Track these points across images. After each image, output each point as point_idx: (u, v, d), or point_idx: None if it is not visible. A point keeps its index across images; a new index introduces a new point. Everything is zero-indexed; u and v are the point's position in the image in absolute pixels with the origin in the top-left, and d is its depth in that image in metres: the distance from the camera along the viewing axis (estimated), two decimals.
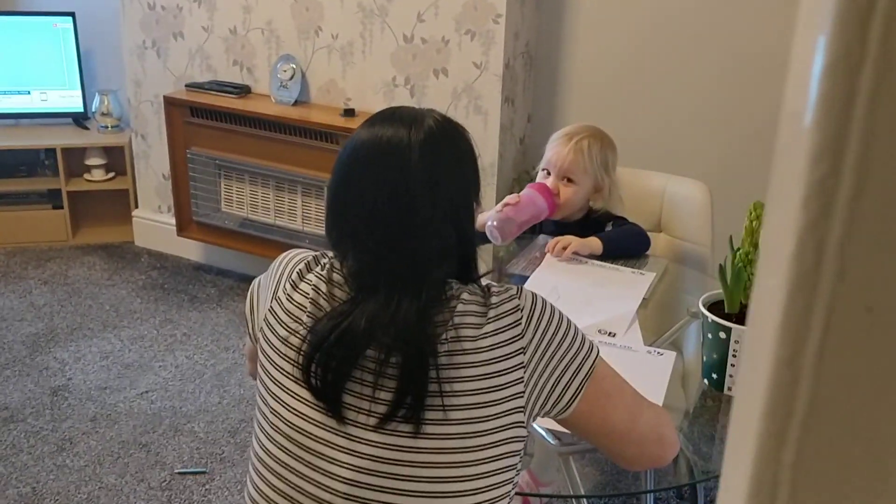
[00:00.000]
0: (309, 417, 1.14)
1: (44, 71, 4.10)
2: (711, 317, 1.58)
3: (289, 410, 1.16)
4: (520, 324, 1.13)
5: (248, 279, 3.93)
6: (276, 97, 3.49)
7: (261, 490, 1.19)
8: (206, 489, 2.52)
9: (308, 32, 3.42)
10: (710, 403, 1.64)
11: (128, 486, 2.52)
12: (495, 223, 2.04)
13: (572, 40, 3.23)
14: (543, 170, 2.21)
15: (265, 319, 1.22)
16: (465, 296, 1.14)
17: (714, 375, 1.61)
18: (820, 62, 0.28)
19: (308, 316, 1.16)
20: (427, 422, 1.09)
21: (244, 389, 2.98)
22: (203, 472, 2.58)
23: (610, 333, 1.75)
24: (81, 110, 4.16)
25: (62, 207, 4.07)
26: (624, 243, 2.17)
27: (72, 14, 4.02)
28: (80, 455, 2.64)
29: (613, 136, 3.20)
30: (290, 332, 1.17)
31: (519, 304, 1.14)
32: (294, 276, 1.21)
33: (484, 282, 1.20)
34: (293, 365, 1.16)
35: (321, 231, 3.42)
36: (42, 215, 4.09)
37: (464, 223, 1.20)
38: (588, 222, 2.26)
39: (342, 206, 1.19)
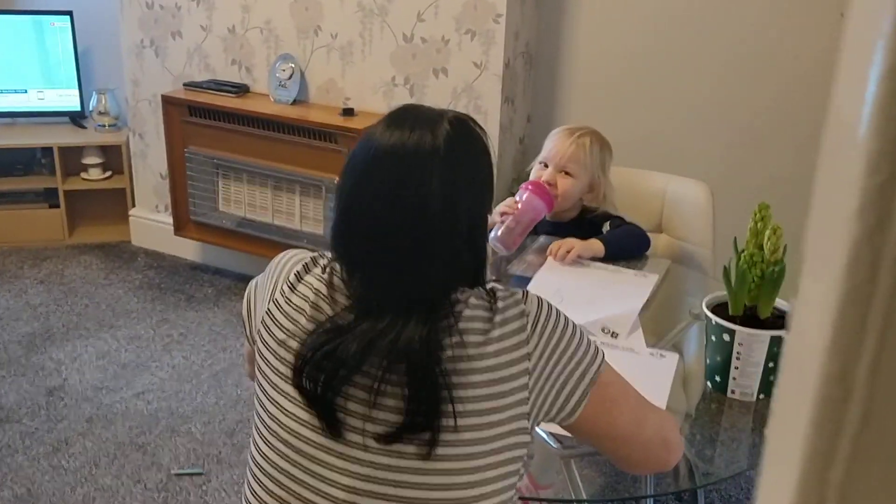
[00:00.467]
0: (307, 422, 1.12)
1: (41, 69, 4.08)
2: (715, 319, 1.57)
3: (287, 415, 1.14)
4: (525, 329, 1.11)
5: (246, 279, 3.90)
6: (275, 96, 3.47)
7: (258, 496, 1.17)
8: (202, 490, 2.50)
9: (307, 32, 3.40)
10: (712, 406, 1.63)
11: (124, 487, 2.50)
12: (499, 236, 2.06)
13: (572, 40, 3.22)
14: (541, 163, 2.22)
15: (263, 322, 1.20)
16: (472, 300, 1.12)
17: (717, 378, 1.60)
18: (878, 67, 0.27)
19: (307, 319, 1.14)
20: (438, 428, 1.07)
21: (241, 390, 2.96)
22: (200, 474, 2.57)
23: (613, 333, 1.74)
24: (79, 109, 4.14)
25: (59, 206, 4.05)
26: (625, 244, 2.17)
27: (69, 13, 4.00)
28: (75, 456, 2.62)
29: (614, 136, 3.19)
30: (289, 336, 1.15)
31: (525, 310, 1.12)
32: (292, 277, 1.18)
33: (489, 284, 1.18)
34: (291, 368, 1.14)
35: (319, 231, 3.42)
36: (38, 214, 4.07)
37: (478, 239, 1.19)
38: (584, 222, 2.26)
39: (354, 215, 1.15)
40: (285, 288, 1.18)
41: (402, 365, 1.08)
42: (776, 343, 1.53)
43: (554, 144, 2.21)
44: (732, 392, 1.58)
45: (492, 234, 2.06)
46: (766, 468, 0.31)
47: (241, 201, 3.58)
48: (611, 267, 2.06)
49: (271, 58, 3.51)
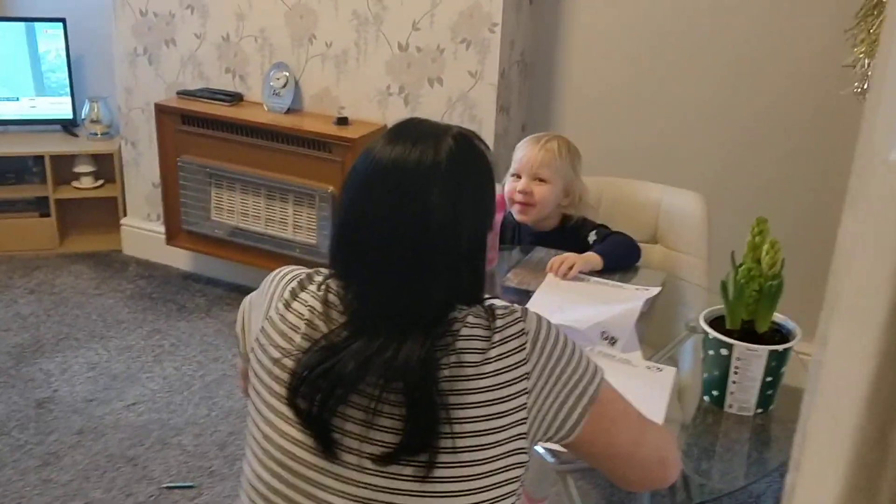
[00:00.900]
0: (302, 442, 1.10)
1: (33, 77, 4.06)
2: (713, 333, 1.55)
3: (281, 435, 1.12)
4: (524, 348, 1.09)
5: (238, 289, 3.90)
6: (269, 105, 3.45)
7: None
8: None
9: (302, 40, 3.39)
10: (710, 420, 1.61)
11: (115, 500, 2.47)
12: None
13: (568, 50, 3.21)
14: (513, 175, 2.22)
15: (257, 339, 1.18)
16: (470, 319, 1.11)
17: (714, 392, 1.58)
18: None
19: (302, 337, 1.12)
20: (436, 450, 1.06)
21: (233, 401, 2.94)
22: (192, 487, 2.54)
23: (611, 339, 1.71)
24: (71, 117, 4.11)
25: (50, 215, 4.03)
26: (621, 255, 2.17)
27: (62, 20, 3.98)
28: (65, 469, 2.59)
29: (608, 146, 3.19)
30: (283, 354, 1.13)
31: (524, 329, 1.11)
32: (287, 294, 1.16)
33: (488, 301, 1.16)
34: (286, 387, 1.11)
35: (312, 241, 3.40)
36: (29, 223, 4.04)
37: (478, 257, 1.17)
38: (567, 231, 2.26)
39: (352, 230, 1.14)
40: (280, 305, 1.16)
41: (398, 384, 1.06)
42: (774, 358, 1.51)
43: (523, 154, 2.23)
44: (730, 406, 1.57)
45: None
46: None
47: (233, 210, 3.56)
48: (611, 282, 2.04)
49: (265, 66, 3.49)
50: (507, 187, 2.23)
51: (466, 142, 1.16)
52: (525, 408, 1.08)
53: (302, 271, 1.20)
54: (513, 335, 1.10)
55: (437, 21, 3.09)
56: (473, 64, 3.07)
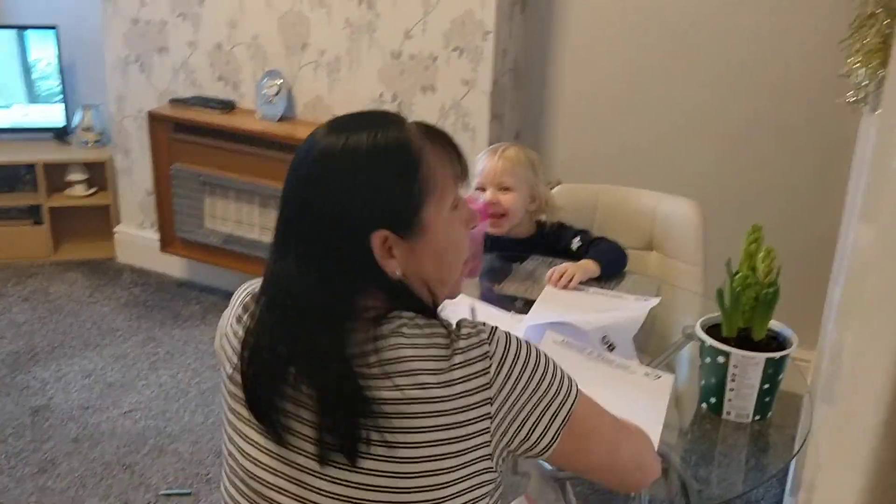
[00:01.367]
0: (261, 463, 1.10)
1: (25, 85, 4.05)
2: (710, 340, 1.57)
3: (243, 455, 1.12)
4: (488, 372, 1.05)
5: (232, 296, 3.88)
6: (262, 113, 3.46)
7: None
8: None
9: (294, 48, 3.40)
10: (707, 427, 1.62)
11: None
12: None
13: (560, 58, 3.23)
14: (477, 189, 2.23)
15: (218, 356, 1.19)
16: (405, 330, 1.06)
17: (712, 400, 1.60)
18: None
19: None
20: (373, 473, 1.04)
21: None
22: (188, 494, 2.54)
23: (610, 346, 1.72)
24: (63, 125, 4.11)
25: (42, 223, 4.02)
26: (613, 260, 2.18)
27: (54, 28, 3.98)
28: (62, 477, 2.59)
29: (603, 153, 3.21)
30: (235, 370, 1.13)
31: (488, 352, 1.06)
32: (240, 309, 1.16)
33: (459, 320, 1.11)
34: (241, 405, 1.11)
35: None
36: (22, 231, 4.03)
37: (371, 252, 1.08)
38: (546, 237, 2.27)
39: (277, 217, 1.14)
40: (234, 321, 1.17)
41: (309, 378, 1.05)
42: (771, 365, 1.53)
43: (484, 166, 2.25)
44: (728, 414, 1.58)
45: None
46: None
47: (227, 218, 3.56)
48: (610, 293, 2.05)
49: (258, 74, 3.50)
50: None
51: (386, 136, 1.09)
52: (488, 431, 1.05)
53: (259, 283, 1.18)
54: (475, 358, 1.05)
55: (429, 29, 3.11)
56: (466, 72, 3.09)
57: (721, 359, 1.55)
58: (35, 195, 4.00)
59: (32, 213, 4.04)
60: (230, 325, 1.17)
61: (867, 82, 1.61)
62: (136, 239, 4.02)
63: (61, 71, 4.04)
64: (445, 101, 3.16)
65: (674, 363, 1.87)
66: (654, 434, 1.44)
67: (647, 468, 1.25)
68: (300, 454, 1.07)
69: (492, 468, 1.08)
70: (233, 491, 1.15)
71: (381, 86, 3.27)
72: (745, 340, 1.57)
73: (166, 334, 3.43)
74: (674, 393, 1.62)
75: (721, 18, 2.93)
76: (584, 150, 3.27)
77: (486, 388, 1.04)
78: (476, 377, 1.04)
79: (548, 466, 1.52)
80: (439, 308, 1.15)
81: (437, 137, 1.14)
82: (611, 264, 2.14)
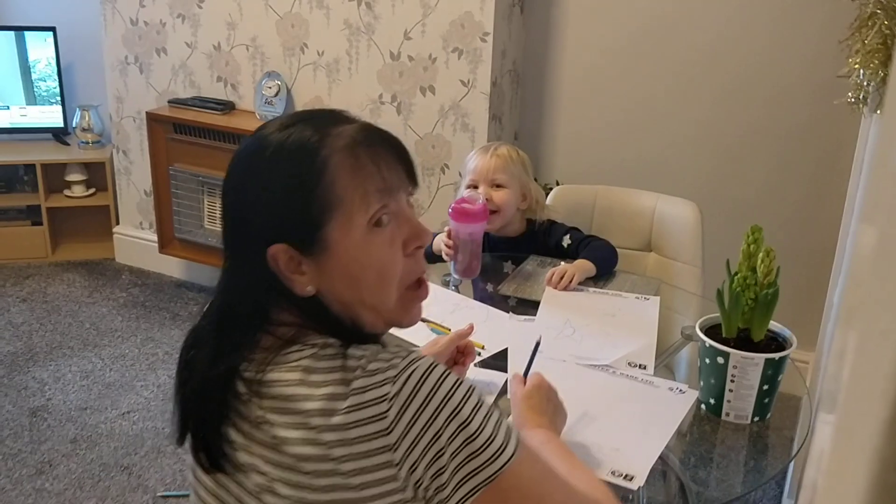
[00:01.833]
0: (203, 485, 1.06)
1: (24, 86, 4.05)
2: (709, 342, 1.56)
3: (195, 485, 1.08)
4: (386, 417, 0.92)
5: None
6: (261, 114, 3.46)
7: None
8: None
9: (293, 49, 3.40)
10: (707, 428, 1.62)
11: None
12: (456, 268, 2.09)
13: (559, 58, 3.22)
14: (469, 186, 2.24)
15: None
16: (306, 363, 0.97)
17: (711, 400, 1.60)
18: None
19: None
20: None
21: None
22: (186, 496, 2.53)
23: (640, 366, 1.72)
24: (62, 126, 4.11)
25: (41, 224, 4.02)
26: (606, 258, 2.20)
27: (52, 29, 3.98)
28: (59, 478, 2.59)
29: (600, 154, 3.21)
30: None
31: (388, 394, 0.92)
32: None
33: (387, 346, 1.00)
34: None
35: None
36: (21, 232, 4.03)
37: (276, 268, 1.00)
38: (536, 235, 2.28)
39: None
40: None
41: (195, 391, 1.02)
42: (770, 366, 1.52)
43: (476, 163, 2.25)
44: (727, 415, 1.58)
45: (451, 268, 2.11)
46: None
47: None
48: (610, 292, 2.05)
49: (257, 75, 3.49)
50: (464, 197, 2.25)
51: (292, 142, 0.99)
52: (394, 479, 0.93)
53: None
54: (371, 401, 0.92)
55: (428, 30, 3.11)
56: (465, 73, 3.09)
57: (720, 360, 1.55)
58: (34, 196, 4.00)
59: (31, 214, 4.04)
60: None
61: (867, 83, 1.61)
62: (135, 239, 4.02)
63: (60, 72, 4.03)
64: (444, 101, 3.16)
65: (673, 365, 1.86)
66: (657, 447, 1.45)
67: None
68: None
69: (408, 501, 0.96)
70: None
71: (381, 87, 3.27)
72: (744, 341, 1.57)
73: (165, 335, 3.43)
74: (694, 407, 1.61)
75: (720, 19, 2.93)
76: (582, 150, 3.27)
77: (384, 435, 0.92)
78: (371, 422, 0.92)
79: None
80: (387, 331, 1.08)
81: (376, 144, 1.01)
82: (605, 262, 2.17)
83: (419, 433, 0.92)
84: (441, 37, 3.09)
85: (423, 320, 1.86)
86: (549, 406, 1.34)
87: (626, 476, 1.37)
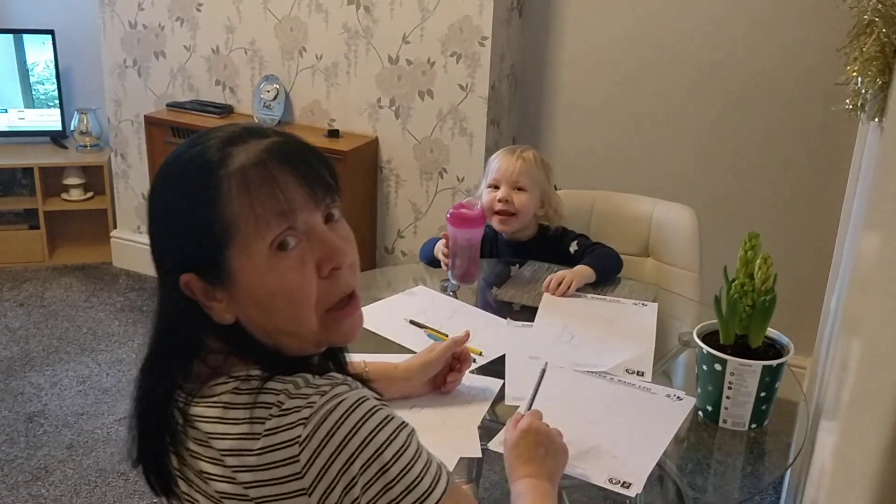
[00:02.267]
0: None
1: (22, 89, 4.04)
2: (707, 348, 1.56)
3: None
4: (297, 460, 0.87)
5: None
6: (259, 117, 3.45)
7: None
8: None
9: (292, 53, 3.39)
10: (704, 435, 1.61)
11: None
12: (454, 274, 2.09)
13: (557, 63, 3.22)
14: (490, 186, 2.24)
15: None
16: (226, 399, 0.93)
17: (709, 407, 1.59)
18: None
19: None
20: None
21: None
22: None
23: (638, 373, 1.72)
24: (60, 129, 4.10)
25: (39, 227, 4.01)
26: (607, 266, 2.19)
27: (51, 32, 3.97)
28: (55, 484, 2.58)
29: (598, 159, 3.20)
30: None
31: (299, 437, 0.88)
32: None
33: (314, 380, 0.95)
34: None
35: None
36: (18, 235, 4.02)
37: (193, 296, 0.96)
38: (546, 241, 2.28)
39: None
40: None
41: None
42: (768, 373, 1.52)
43: (501, 164, 2.25)
44: (724, 422, 1.57)
45: (449, 274, 2.11)
46: None
47: None
48: (608, 298, 2.05)
49: (255, 78, 3.49)
50: (486, 198, 2.25)
51: (192, 162, 0.95)
52: None
53: None
54: (282, 444, 0.88)
55: (427, 34, 3.10)
56: (464, 77, 3.09)
57: (718, 366, 1.54)
58: (31, 199, 4.00)
59: (28, 217, 4.03)
60: None
61: (865, 90, 1.61)
62: (133, 243, 4.01)
63: (58, 75, 4.03)
64: (443, 106, 3.16)
65: (670, 371, 1.86)
66: (655, 454, 1.45)
67: None
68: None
69: None
70: None
71: (379, 91, 3.26)
72: (741, 348, 1.57)
73: None
74: (692, 414, 1.61)
75: (718, 25, 2.93)
76: (580, 155, 3.27)
77: (298, 478, 0.88)
78: (284, 465, 0.88)
79: None
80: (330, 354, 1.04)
81: (274, 163, 0.94)
82: (606, 270, 2.15)
83: (334, 479, 0.88)
84: (439, 41, 3.09)
85: (422, 326, 1.86)
86: (536, 452, 1.28)
87: (624, 483, 1.37)
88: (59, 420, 2.88)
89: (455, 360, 1.59)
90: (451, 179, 3.22)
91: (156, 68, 3.69)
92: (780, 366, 1.54)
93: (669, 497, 1.61)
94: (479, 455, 1.46)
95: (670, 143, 3.10)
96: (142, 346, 3.32)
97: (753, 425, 1.57)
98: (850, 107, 1.71)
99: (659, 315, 1.97)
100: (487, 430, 1.50)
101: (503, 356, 1.76)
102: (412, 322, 1.89)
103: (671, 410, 1.60)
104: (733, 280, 1.57)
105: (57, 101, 4.06)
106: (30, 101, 4.06)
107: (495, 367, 1.73)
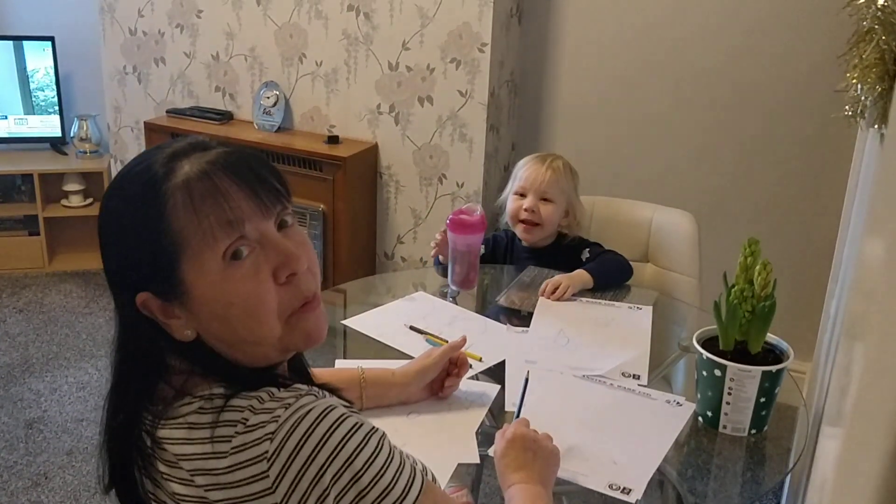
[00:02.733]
0: None
1: (22, 95, 4.05)
2: (706, 354, 1.56)
3: None
4: (267, 476, 0.87)
5: None
6: (259, 124, 3.46)
7: None
8: None
9: (292, 59, 3.40)
10: (704, 441, 1.61)
11: None
12: (454, 279, 2.10)
13: (557, 69, 3.23)
14: (517, 193, 2.24)
15: None
16: (193, 419, 0.92)
17: (709, 413, 1.59)
18: None
19: None
20: None
21: None
22: None
23: (634, 376, 1.73)
24: (59, 135, 4.11)
25: (38, 234, 4.02)
26: (610, 273, 2.19)
27: (51, 38, 3.98)
28: (55, 491, 2.58)
29: (598, 165, 3.21)
30: None
31: (266, 452, 0.87)
32: None
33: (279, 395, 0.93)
34: None
35: None
36: (18, 242, 4.03)
37: (151, 314, 0.95)
38: (561, 249, 2.28)
39: None
40: None
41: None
42: (768, 378, 1.52)
43: (530, 173, 2.24)
44: (724, 427, 1.57)
45: (449, 279, 2.11)
46: None
47: None
48: (603, 302, 2.06)
49: (255, 85, 3.50)
50: (511, 205, 2.25)
51: (138, 176, 0.94)
52: None
53: None
54: (251, 460, 0.88)
55: (426, 41, 3.11)
56: (463, 83, 3.09)
57: (717, 372, 1.54)
58: (31, 205, 4.00)
59: (28, 224, 4.03)
60: None
61: (865, 97, 1.61)
62: None
63: (58, 81, 4.04)
64: (442, 112, 3.16)
65: (670, 377, 1.86)
66: (655, 460, 1.45)
67: None
68: None
69: None
70: None
71: (379, 97, 3.27)
72: (741, 353, 1.57)
73: None
74: (691, 419, 1.61)
75: (717, 32, 2.93)
76: (579, 161, 3.25)
77: (269, 493, 0.87)
78: (254, 481, 0.88)
79: None
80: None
81: (217, 174, 0.93)
82: (605, 276, 2.14)
83: (306, 491, 0.87)
84: (439, 47, 3.10)
85: (421, 332, 1.86)
86: (525, 457, 1.28)
87: (624, 489, 1.37)
88: (58, 426, 2.88)
89: (452, 364, 1.60)
90: (450, 185, 3.22)
91: (156, 75, 3.70)
92: (779, 371, 1.54)
93: (669, 502, 1.61)
94: (477, 461, 1.46)
95: (670, 149, 3.11)
96: None
97: (753, 431, 1.57)
98: (850, 113, 1.71)
99: (658, 321, 1.97)
100: (488, 437, 1.50)
101: (503, 361, 1.76)
102: (412, 328, 1.89)
103: (671, 416, 1.60)
104: (733, 286, 1.57)
105: (57, 108, 4.07)
106: (30, 107, 4.07)
107: (495, 373, 1.73)
